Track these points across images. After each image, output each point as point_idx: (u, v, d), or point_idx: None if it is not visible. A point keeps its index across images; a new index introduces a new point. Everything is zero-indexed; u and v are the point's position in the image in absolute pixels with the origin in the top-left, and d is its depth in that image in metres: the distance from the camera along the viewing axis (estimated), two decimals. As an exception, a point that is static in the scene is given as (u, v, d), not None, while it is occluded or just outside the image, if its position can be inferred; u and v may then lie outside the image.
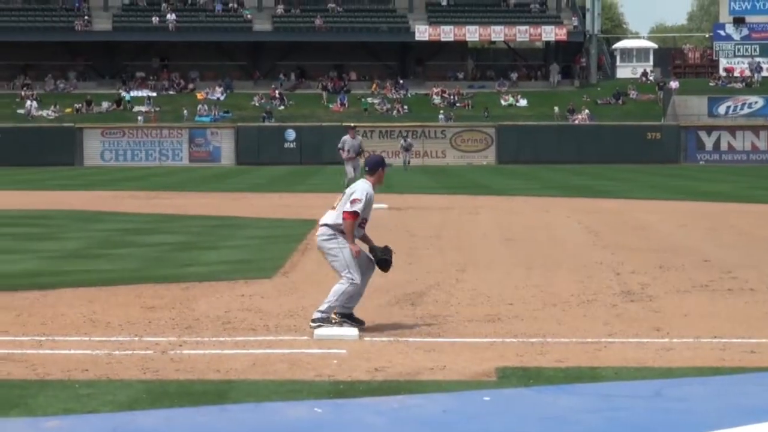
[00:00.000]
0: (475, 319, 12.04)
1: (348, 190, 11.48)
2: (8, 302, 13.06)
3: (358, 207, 11.19)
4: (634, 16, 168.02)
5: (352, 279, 11.30)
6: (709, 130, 63.97)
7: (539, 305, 12.98)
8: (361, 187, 11.35)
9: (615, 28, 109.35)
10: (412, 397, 8.57)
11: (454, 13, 73.35)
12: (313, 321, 11.20)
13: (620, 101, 69.44)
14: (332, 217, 11.39)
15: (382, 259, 11.58)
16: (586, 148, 60.83)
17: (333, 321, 11.20)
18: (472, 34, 71.34)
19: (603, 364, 9.69)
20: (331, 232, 11.35)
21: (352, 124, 31.10)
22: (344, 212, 11.21)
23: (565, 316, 12.27)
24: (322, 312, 11.23)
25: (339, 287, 11.34)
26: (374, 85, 70.09)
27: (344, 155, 28.79)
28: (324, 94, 69.49)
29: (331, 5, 73.01)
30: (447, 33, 70.72)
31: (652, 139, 62.52)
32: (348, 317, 11.38)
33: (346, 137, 29.01)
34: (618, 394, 8.75)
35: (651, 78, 73.95)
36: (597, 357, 10.07)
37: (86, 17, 70.47)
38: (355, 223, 11.27)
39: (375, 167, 11.57)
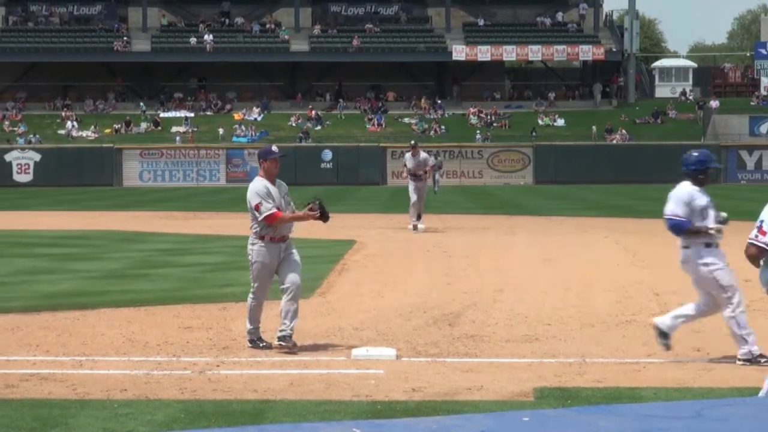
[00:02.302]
0: (512, 339, 12.01)
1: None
2: (50, 322, 13.18)
3: (267, 208, 11.35)
4: (673, 36, 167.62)
5: (253, 291, 11.68)
6: (751, 149, 63.50)
7: (577, 326, 12.93)
8: (251, 191, 11.52)
9: (653, 47, 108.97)
10: (450, 418, 8.52)
11: (491, 33, 73.41)
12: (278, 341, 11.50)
13: (659, 120, 69.11)
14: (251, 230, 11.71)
15: (325, 212, 11.81)
16: (624, 168, 60.52)
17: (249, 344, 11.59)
18: (509, 53, 71.34)
19: (642, 385, 9.65)
20: (251, 241, 11.65)
21: (412, 142, 29.27)
22: (265, 220, 11.38)
23: (603, 336, 12.22)
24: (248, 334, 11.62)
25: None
26: (420, 104, 70.04)
27: (406, 174, 28.00)
28: (361, 114, 69.69)
29: (368, 25, 73.28)
30: (484, 53, 70.76)
31: (692, 158, 62.05)
32: (256, 340, 11.62)
33: (408, 155, 27.80)
34: (658, 414, 8.68)
35: (690, 97, 73.59)
36: (636, 377, 10.02)
37: (125, 38, 71.14)
38: (282, 218, 11.43)
39: (259, 159, 11.79)
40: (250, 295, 11.72)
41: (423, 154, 27.91)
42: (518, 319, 13.36)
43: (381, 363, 10.61)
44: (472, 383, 9.73)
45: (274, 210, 11.38)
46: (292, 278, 11.45)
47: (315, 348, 11.52)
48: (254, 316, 11.57)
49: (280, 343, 11.31)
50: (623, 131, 66.20)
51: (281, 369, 10.44)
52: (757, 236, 8.27)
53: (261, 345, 11.47)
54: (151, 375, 10.13)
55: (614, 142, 65.15)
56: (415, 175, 27.03)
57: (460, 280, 17.28)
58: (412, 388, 9.56)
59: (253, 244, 11.60)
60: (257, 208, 11.39)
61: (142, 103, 69.52)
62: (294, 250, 11.67)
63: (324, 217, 11.82)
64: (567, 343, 11.79)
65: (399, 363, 10.68)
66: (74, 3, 73.69)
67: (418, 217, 27.06)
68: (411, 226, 26.87)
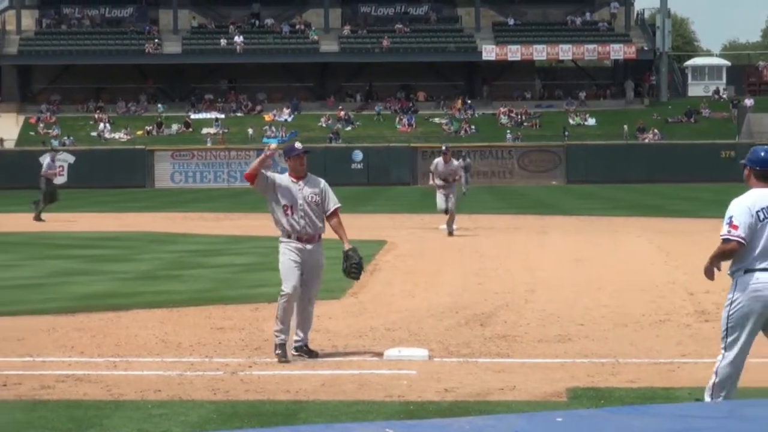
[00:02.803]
0: (544, 339, 11.99)
1: None
2: (85, 323, 13.28)
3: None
4: (706, 34, 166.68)
5: (282, 288, 11.11)
6: (786, 147, 62.98)
7: (610, 325, 12.89)
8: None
9: (686, 45, 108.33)
10: (483, 418, 8.54)
11: (521, 33, 73.25)
12: (295, 350, 11.07)
13: (692, 119, 68.71)
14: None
15: (353, 265, 11.23)
16: (657, 167, 60.23)
17: (275, 353, 10.90)
18: (539, 53, 71.16)
19: (676, 385, 9.61)
20: (280, 239, 11.38)
21: (443, 147, 27.37)
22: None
23: (636, 336, 12.17)
24: (274, 335, 10.97)
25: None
26: (456, 104, 69.92)
27: (434, 182, 25.80)
28: (392, 114, 69.72)
29: (398, 26, 73.28)
30: (514, 52, 70.62)
31: (727, 157, 61.67)
32: (302, 351, 11.05)
33: (439, 160, 25.99)
34: (692, 414, 8.65)
35: (724, 96, 73.12)
36: (670, 378, 9.98)
37: (156, 40, 71.49)
38: (251, 169, 11.29)
39: (284, 157, 11.50)
40: (282, 297, 11.22)
41: (454, 162, 26.71)
42: (550, 319, 13.33)
43: (413, 363, 10.62)
44: (504, 383, 9.72)
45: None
46: (310, 296, 11.17)
47: (347, 348, 11.54)
48: (287, 316, 11.11)
49: (299, 353, 11.02)
50: (655, 130, 65.88)
51: (313, 369, 10.47)
52: (730, 231, 8.18)
53: (283, 354, 10.83)
54: (185, 376, 10.18)
55: (646, 141, 64.84)
56: (445, 180, 25.62)
57: (492, 281, 17.26)
58: (444, 388, 9.56)
59: (281, 242, 11.36)
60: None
61: (160, 105, 69.86)
62: (321, 255, 11.25)
63: (351, 271, 11.31)
64: (600, 343, 11.76)
65: (431, 363, 10.68)
66: (106, 5, 74.14)
67: (450, 221, 25.63)
68: (443, 229, 25.84)
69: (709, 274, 8.41)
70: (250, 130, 66.03)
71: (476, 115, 69.61)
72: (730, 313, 8.29)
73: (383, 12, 75.22)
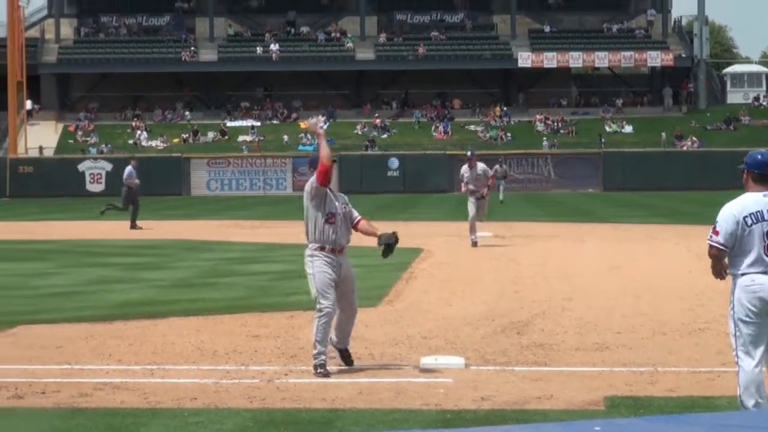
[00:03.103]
0: (582, 347, 11.92)
1: None
2: (122, 331, 13.34)
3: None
4: (744, 42, 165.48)
5: (320, 306, 10.56)
6: (825, 154, 62.42)
7: (648, 334, 12.79)
8: (306, 189, 10.78)
9: (724, 53, 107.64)
10: (520, 427, 8.50)
11: (557, 40, 73.08)
12: (315, 369, 10.53)
13: (731, 127, 68.23)
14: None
15: (386, 245, 11.07)
16: (695, 174, 59.78)
17: (315, 371, 10.45)
18: (575, 60, 70.94)
19: (716, 394, 9.51)
20: (308, 253, 10.78)
21: (468, 152, 26.48)
22: (318, 176, 10.65)
23: (675, 344, 12.08)
24: (314, 357, 10.52)
25: (314, 322, 10.64)
26: (494, 112, 69.84)
27: (464, 189, 25.51)
28: (428, 122, 69.71)
29: (433, 33, 73.30)
30: (550, 59, 70.44)
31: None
32: (340, 354, 10.81)
33: (465, 167, 25.46)
34: (732, 424, 8.56)
35: (764, 103, 72.57)
36: (710, 387, 9.89)
37: (192, 48, 71.89)
38: (324, 158, 10.57)
39: (310, 167, 10.99)
40: (317, 314, 10.58)
41: (481, 165, 25.75)
42: (588, 328, 13.25)
43: (450, 372, 10.58)
44: (541, 392, 9.66)
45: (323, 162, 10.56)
46: (351, 300, 10.81)
47: (383, 356, 11.52)
48: (326, 336, 10.60)
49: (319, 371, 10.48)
50: (693, 138, 65.46)
51: (350, 378, 10.45)
52: (711, 237, 8.53)
53: (326, 373, 10.41)
54: (220, 384, 10.20)
55: (684, 148, 64.42)
56: (476, 192, 24.88)
57: (528, 288, 17.19)
58: (481, 396, 9.52)
59: (311, 256, 10.69)
60: (315, 170, 10.68)
61: (187, 112, 70.22)
62: (350, 265, 10.91)
63: (385, 250, 11.07)
64: (638, 351, 11.67)
65: (468, 372, 10.64)
66: (143, 14, 74.67)
67: (473, 229, 24.77)
68: (471, 242, 25.07)
69: (715, 275, 8.70)
70: (285, 137, 66.23)
71: (512, 123, 69.46)
72: (735, 317, 8.33)
73: (419, 19, 75.29)
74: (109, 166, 61.04)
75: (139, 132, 67.78)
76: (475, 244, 24.74)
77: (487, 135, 67.27)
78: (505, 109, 70.75)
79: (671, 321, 13.69)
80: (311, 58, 71.86)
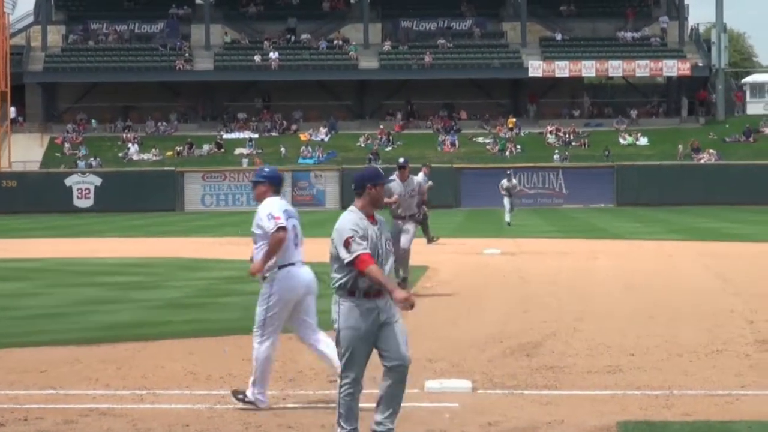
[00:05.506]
0: (594, 370, 11.90)
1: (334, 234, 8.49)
2: (110, 354, 13.31)
3: (358, 248, 8.31)
4: (764, 49, 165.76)
5: (344, 378, 8.65)
6: None
7: (663, 355, 12.77)
8: (341, 225, 8.42)
9: (744, 61, 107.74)
10: (528, 455, 8.49)
11: (569, 48, 73.18)
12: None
13: (751, 139, 68.24)
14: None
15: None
16: (713, 188, 59.73)
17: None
18: (588, 69, 71.03)
19: (735, 418, 9.49)
20: (335, 300, 8.59)
21: (401, 160, 20.28)
22: (354, 263, 8.31)
23: (692, 367, 12.05)
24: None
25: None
26: (507, 123, 69.93)
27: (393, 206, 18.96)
28: (434, 134, 69.76)
29: (440, 41, 73.42)
30: (562, 69, 70.55)
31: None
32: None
33: (395, 182, 19.13)
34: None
35: (786, 114, 72.64)
36: (728, 410, 9.87)
37: (187, 56, 72.02)
38: (373, 268, 8.30)
39: (360, 186, 8.54)
40: (343, 387, 8.53)
41: (418, 178, 20.09)
42: (600, 349, 13.23)
43: (456, 396, 10.57)
44: (551, 417, 9.65)
45: (367, 251, 8.30)
46: (400, 352, 8.59)
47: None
48: (352, 414, 8.58)
49: None
50: (711, 150, 65.46)
51: (350, 402, 10.41)
52: None
53: None
54: (215, 409, 10.18)
55: (702, 161, 64.40)
56: (401, 216, 19.15)
57: (538, 308, 17.18)
58: (488, 422, 9.50)
59: (338, 304, 8.50)
60: (348, 243, 8.27)
61: (176, 122, 70.37)
62: (396, 312, 8.71)
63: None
64: (652, 374, 11.65)
65: (474, 396, 10.63)
66: (135, 21, 74.88)
67: (398, 274, 18.47)
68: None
69: None
70: (283, 149, 66.27)
71: (522, 134, 69.52)
72: None
73: (425, 27, 75.44)
74: (98, 181, 61.14)
75: (130, 145, 67.83)
76: (404, 280, 18.71)
77: (497, 147, 67.29)
78: (514, 120, 70.80)
79: (687, 342, 13.67)
80: (312, 66, 71.96)
